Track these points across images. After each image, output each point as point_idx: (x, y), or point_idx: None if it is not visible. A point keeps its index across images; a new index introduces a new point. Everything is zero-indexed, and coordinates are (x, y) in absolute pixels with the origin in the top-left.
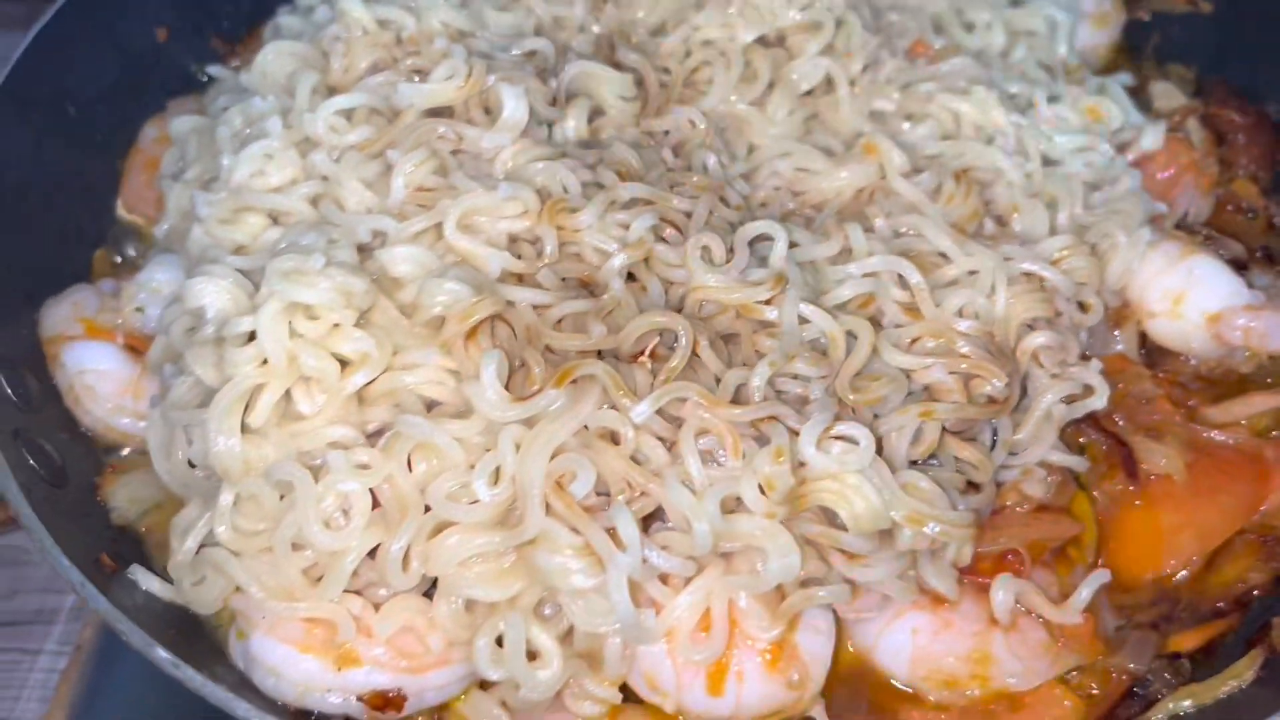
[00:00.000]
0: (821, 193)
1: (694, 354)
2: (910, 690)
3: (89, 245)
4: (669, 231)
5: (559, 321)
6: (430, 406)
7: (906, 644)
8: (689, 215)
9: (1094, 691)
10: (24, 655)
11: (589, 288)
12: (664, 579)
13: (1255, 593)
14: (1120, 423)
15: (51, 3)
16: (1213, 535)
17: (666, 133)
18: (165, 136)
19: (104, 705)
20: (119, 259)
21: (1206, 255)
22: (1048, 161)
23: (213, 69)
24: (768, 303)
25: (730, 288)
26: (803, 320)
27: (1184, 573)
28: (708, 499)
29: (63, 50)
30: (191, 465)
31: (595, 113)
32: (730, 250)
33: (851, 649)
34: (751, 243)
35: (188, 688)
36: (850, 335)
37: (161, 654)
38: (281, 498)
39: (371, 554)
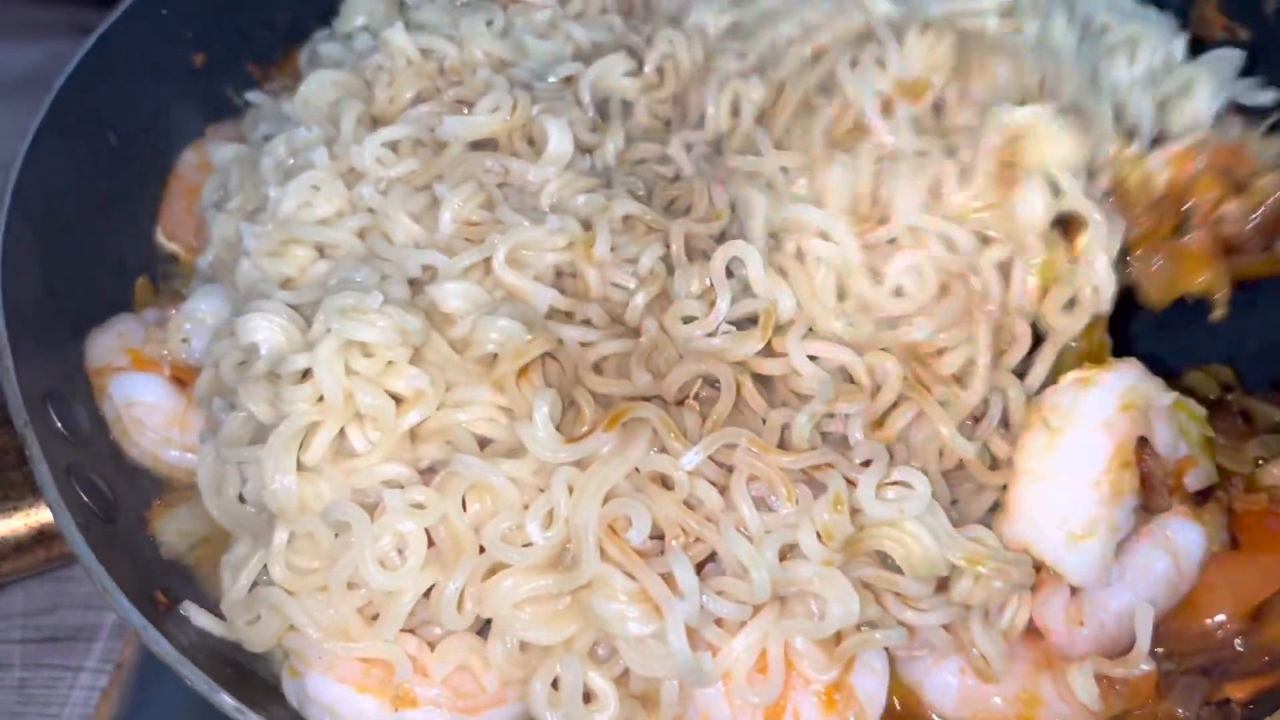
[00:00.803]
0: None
1: (738, 394)
2: None
3: (131, 274)
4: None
5: (603, 360)
6: (482, 444)
7: (954, 683)
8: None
9: None
10: (65, 672)
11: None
12: (719, 622)
13: None
14: None
15: (90, 10)
16: (1251, 594)
17: None
18: (205, 163)
19: None
20: (160, 287)
21: None
22: None
23: (251, 95)
24: (770, 353)
25: (723, 349)
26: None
27: (1226, 626)
28: (766, 548)
29: (103, 79)
30: (242, 500)
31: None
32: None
33: (901, 685)
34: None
35: None
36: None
37: (226, 700)
38: (336, 536)
39: (425, 593)
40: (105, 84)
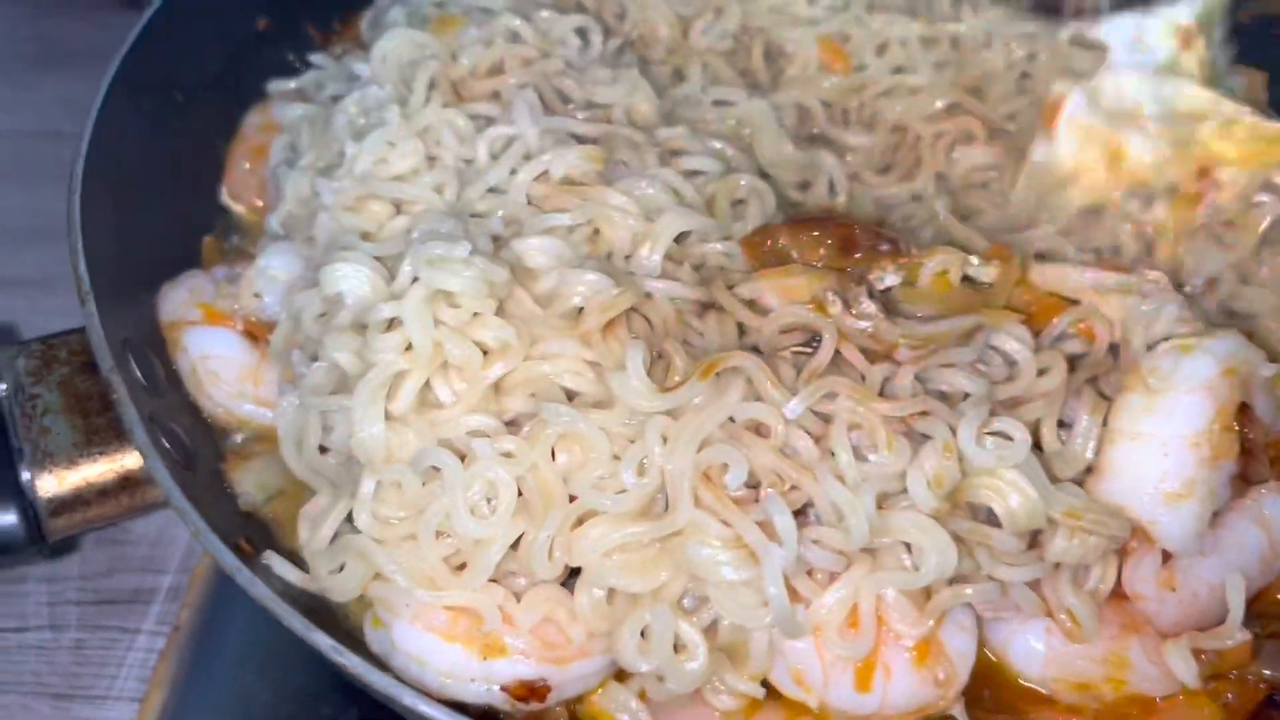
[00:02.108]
0: None
1: (837, 351)
2: (1042, 691)
3: (198, 232)
4: None
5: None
6: (569, 397)
7: (1040, 645)
8: None
9: (1230, 699)
10: (123, 634)
11: None
12: (810, 573)
13: None
14: None
15: None
16: None
17: None
18: (269, 124)
19: (202, 686)
20: (224, 246)
21: None
22: None
23: (315, 57)
24: None
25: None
26: None
27: None
28: (864, 494)
29: (170, 39)
30: (323, 451)
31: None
32: None
33: (985, 649)
34: None
35: (346, 673)
36: None
37: (323, 639)
38: (424, 485)
39: (513, 545)
40: (171, 46)
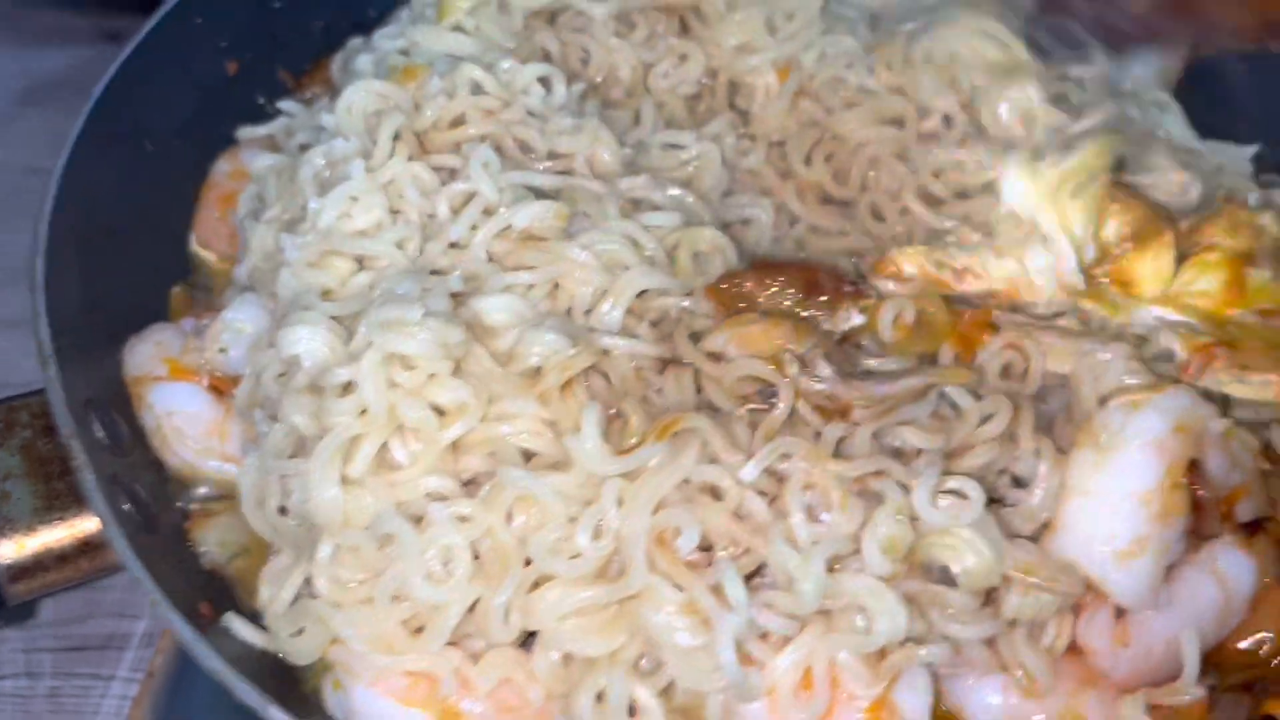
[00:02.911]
0: None
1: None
2: None
3: (166, 282)
4: None
5: (652, 369)
6: (527, 457)
7: (997, 700)
8: None
9: None
10: (97, 681)
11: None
12: (764, 636)
13: None
14: None
15: (116, 16)
16: None
17: None
18: (238, 171)
19: None
20: (194, 296)
21: None
22: None
23: (284, 104)
24: None
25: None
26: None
27: (1268, 644)
28: (815, 558)
29: (139, 88)
30: (283, 512)
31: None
32: None
33: (942, 705)
34: None
35: None
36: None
37: (278, 715)
38: (381, 549)
39: (470, 606)
40: (141, 92)
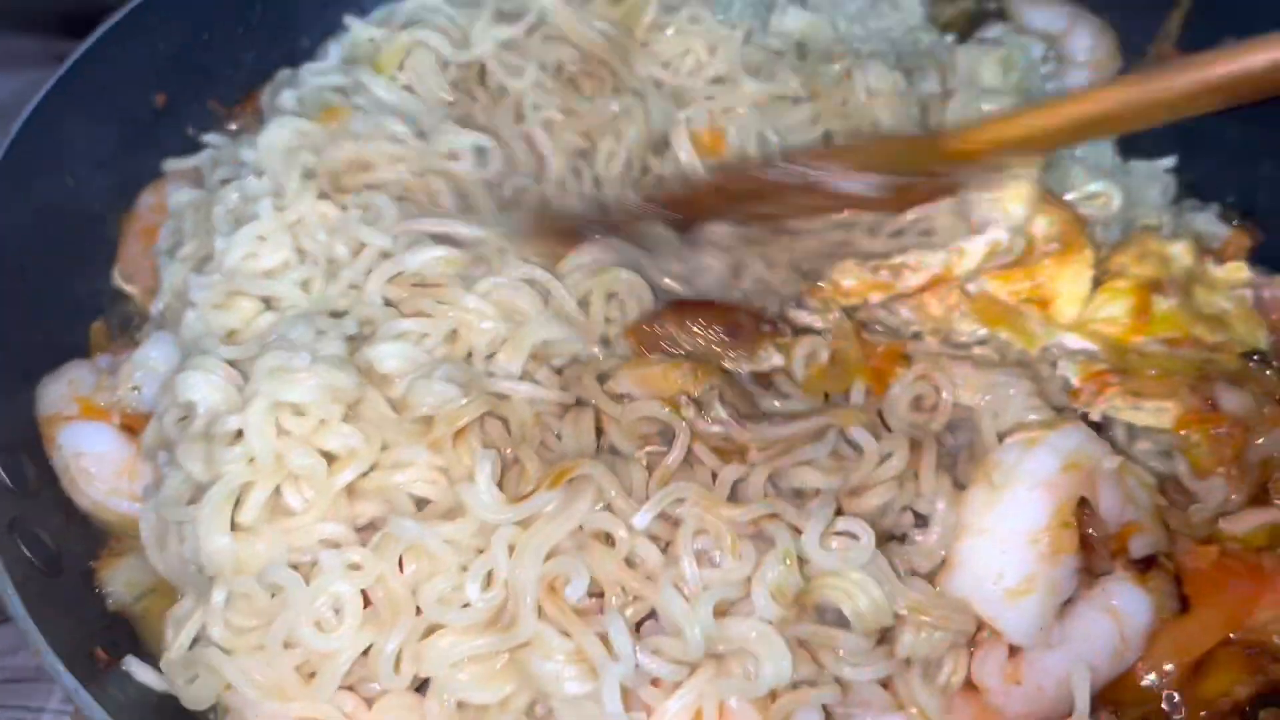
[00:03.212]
0: None
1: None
2: None
3: (87, 317)
4: None
5: (551, 415)
6: (421, 504)
7: None
8: None
9: None
10: (26, 713)
11: None
12: (655, 682)
13: (1245, 707)
14: None
15: (65, 40)
16: (1190, 649)
17: None
18: (162, 204)
19: None
20: (116, 331)
21: None
22: None
23: (209, 137)
24: None
25: None
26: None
27: (1165, 680)
28: (701, 605)
29: (63, 120)
30: (182, 557)
31: None
32: None
33: None
34: None
35: None
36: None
37: None
38: (273, 596)
39: (364, 651)
40: (65, 125)
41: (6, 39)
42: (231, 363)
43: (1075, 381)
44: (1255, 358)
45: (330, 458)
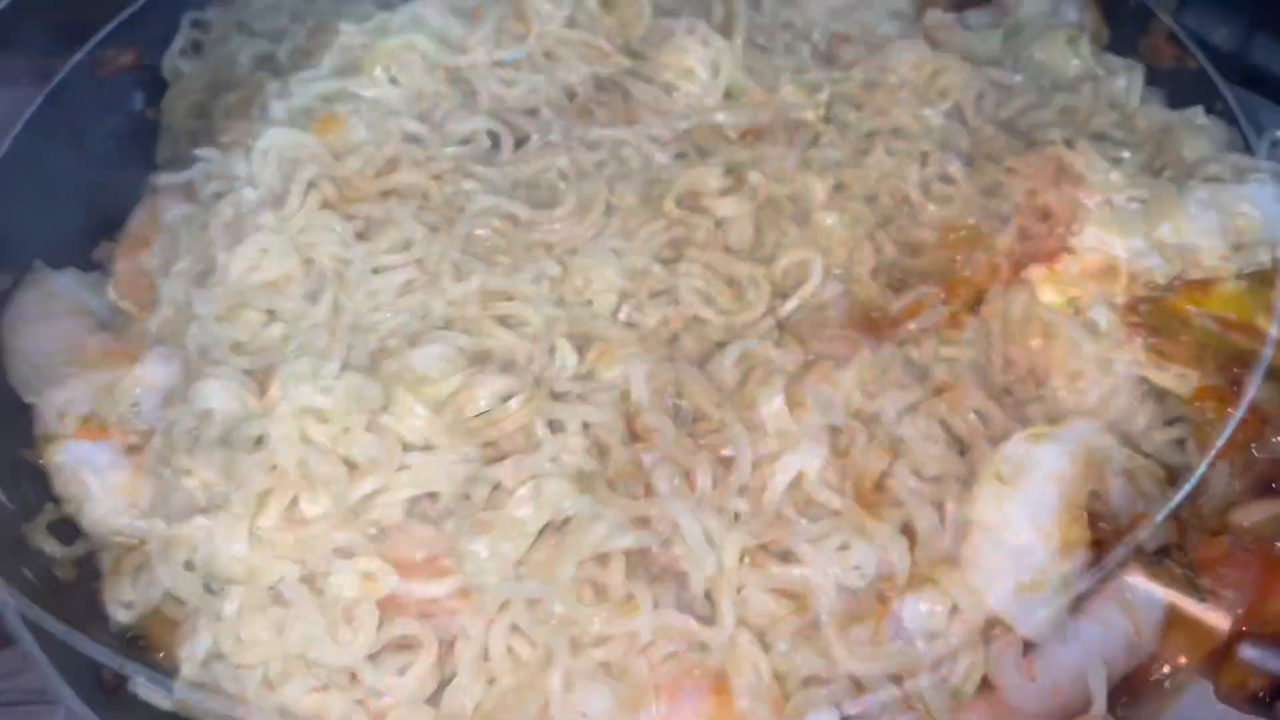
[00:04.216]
0: None
1: None
2: None
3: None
4: None
5: None
6: None
7: None
8: None
9: None
10: None
11: None
12: None
13: (1262, 697)
14: None
15: (53, 57)
16: (1206, 640)
17: None
18: (155, 220)
19: None
20: (112, 348)
21: None
22: None
23: (201, 150)
24: None
25: None
26: None
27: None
28: None
29: (53, 136)
30: (191, 568)
31: None
32: None
33: None
34: None
35: None
36: None
37: None
38: (287, 607)
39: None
40: (55, 141)
41: None
42: (248, 372)
43: (1105, 325)
44: None
45: (352, 465)
